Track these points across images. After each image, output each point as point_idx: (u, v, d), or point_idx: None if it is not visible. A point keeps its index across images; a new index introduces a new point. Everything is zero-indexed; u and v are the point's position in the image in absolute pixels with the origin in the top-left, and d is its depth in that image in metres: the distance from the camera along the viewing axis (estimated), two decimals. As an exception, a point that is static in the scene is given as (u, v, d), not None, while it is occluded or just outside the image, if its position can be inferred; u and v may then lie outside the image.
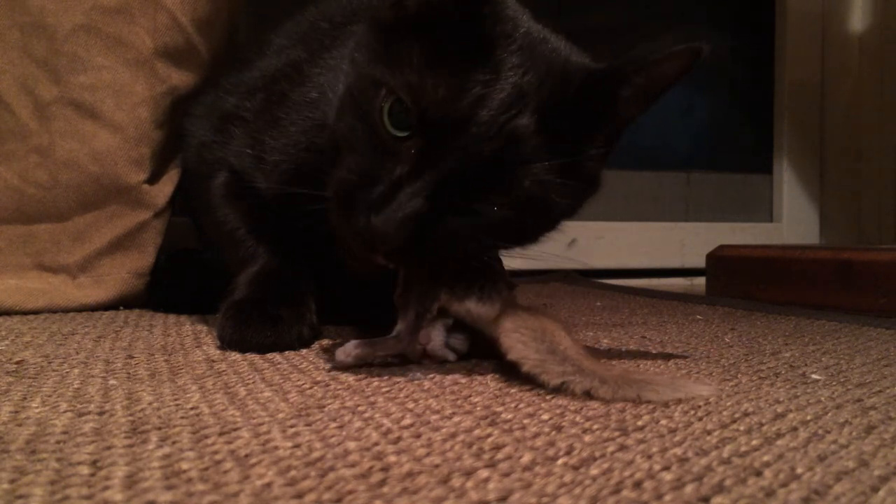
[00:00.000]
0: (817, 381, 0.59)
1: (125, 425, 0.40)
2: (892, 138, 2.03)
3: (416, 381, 0.54)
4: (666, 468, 0.36)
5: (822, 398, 0.53)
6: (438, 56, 0.52)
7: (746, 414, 0.47)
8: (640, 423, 0.44)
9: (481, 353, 0.62)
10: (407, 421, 0.43)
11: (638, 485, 0.33)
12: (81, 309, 0.92)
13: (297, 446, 0.37)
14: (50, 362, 0.58)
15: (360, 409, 0.45)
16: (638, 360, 0.66)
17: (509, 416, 0.45)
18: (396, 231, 0.50)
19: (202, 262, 0.96)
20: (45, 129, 0.93)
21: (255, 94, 0.82)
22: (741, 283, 1.39)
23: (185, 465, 0.34)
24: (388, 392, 0.50)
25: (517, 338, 0.54)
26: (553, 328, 0.55)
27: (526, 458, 0.37)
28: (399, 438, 0.39)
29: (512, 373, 0.54)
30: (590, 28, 1.79)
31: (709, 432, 0.43)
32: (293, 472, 0.33)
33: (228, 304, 0.68)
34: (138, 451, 0.36)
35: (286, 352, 0.65)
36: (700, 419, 0.45)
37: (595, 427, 0.43)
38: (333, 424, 0.41)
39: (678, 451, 0.39)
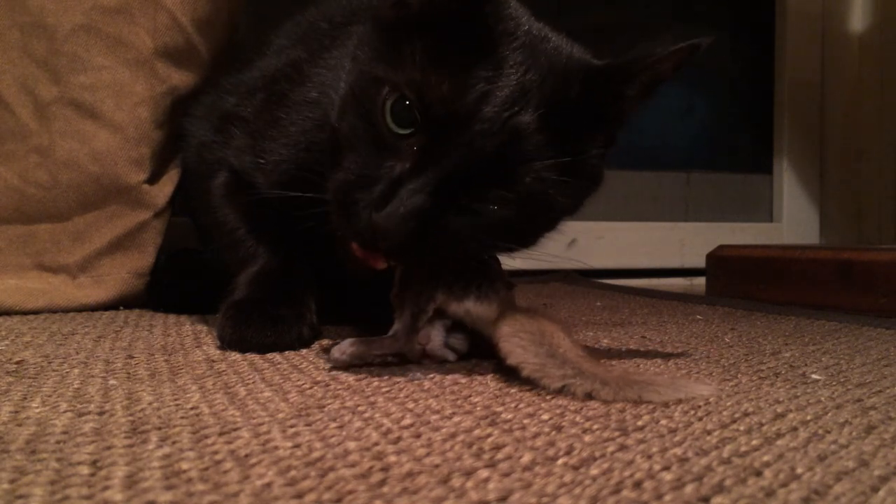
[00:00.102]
0: (817, 381, 0.59)
1: (125, 425, 0.40)
2: (892, 138, 2.03)
3: (416, 381, 0.54)
4: (666, 468, 0.36)
5: (822, 398, 0.53)
6: (440, 54, 0.52)
7: (746, 414, 0.47)
8: (640, 423, 0.44)
9: (481, 353, 0.62)
10: (407, 421, 0.43)
11: (638, 485, 0.33)
12: (81, 309, 0.92)
13: (297, 446, 0.37)
14: (50, 362, 0.58)
15: (360, 409, 0.45)
16: (638, 360, 0.66)
17: (509, 416, 0.44)
18: (398, 227, 0.50)
19: (202, 262, 0.96)
20: (45, 129, 0.93)
21: (255, 94, 0.82)
22: (741, 283, 1.39)
23: (185, 465, 0.34)
24: (388, 392, 0.50)
25: (516, 342, 0.54)
26: (552, 330, 0.55)
27: (526, 458, 0.37)
28: (399, 438, 0.39)
29: (512, 373, 0.54)
30: (589, 27, 1.79)
31: (709, 432, 0.43)
32: (293, 472, 0.33)
33: (228, 304, 0.69)
34: (138, 451, 0.36)
35: (286, 352, 0.65)
36: (700, 419, 0.45)
37: (595, 427, 0.43)
38: (333, 424, 0.41)
39: (678, 451, 0.39)
